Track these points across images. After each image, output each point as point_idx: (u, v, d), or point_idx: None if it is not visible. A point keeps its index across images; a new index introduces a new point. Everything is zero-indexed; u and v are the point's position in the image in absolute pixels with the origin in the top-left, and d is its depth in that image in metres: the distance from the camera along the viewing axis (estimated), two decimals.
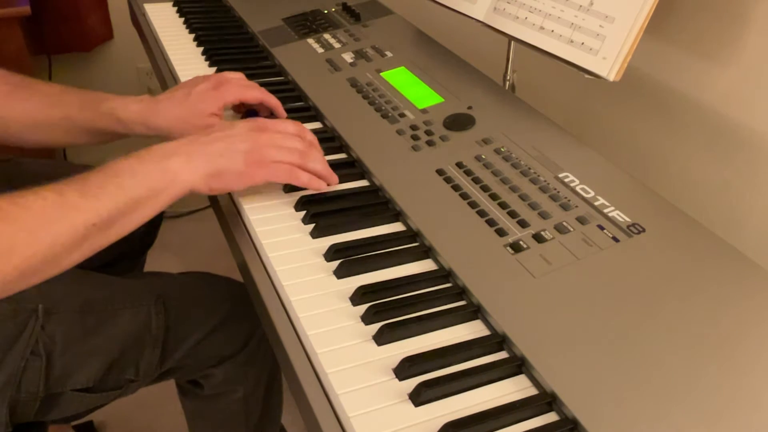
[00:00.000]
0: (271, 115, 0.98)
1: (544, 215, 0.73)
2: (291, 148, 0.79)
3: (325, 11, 1.29)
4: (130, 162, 0.72)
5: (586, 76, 0.86)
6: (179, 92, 0.92)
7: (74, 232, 0.66)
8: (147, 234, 1.22)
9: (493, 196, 0.77)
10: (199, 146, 0.75)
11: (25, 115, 0.91)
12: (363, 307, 0.65)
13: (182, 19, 1.35)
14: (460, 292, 0.67)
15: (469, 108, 0.93)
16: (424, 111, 0.94)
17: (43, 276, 0.67)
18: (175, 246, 1.96)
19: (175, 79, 1.12)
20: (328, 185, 0.82)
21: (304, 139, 0.82)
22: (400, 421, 0.55)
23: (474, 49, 1.29)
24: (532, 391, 0.58)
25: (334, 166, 0.88)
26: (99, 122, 0.91)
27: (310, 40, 1.19)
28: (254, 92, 0.95)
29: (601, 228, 0.71)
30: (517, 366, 0.59)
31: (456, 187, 0.79)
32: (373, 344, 0.62)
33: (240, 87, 0.94)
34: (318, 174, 0.81)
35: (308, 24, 1.25)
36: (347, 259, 0.71)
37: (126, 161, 0.72)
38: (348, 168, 0.88)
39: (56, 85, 0.94)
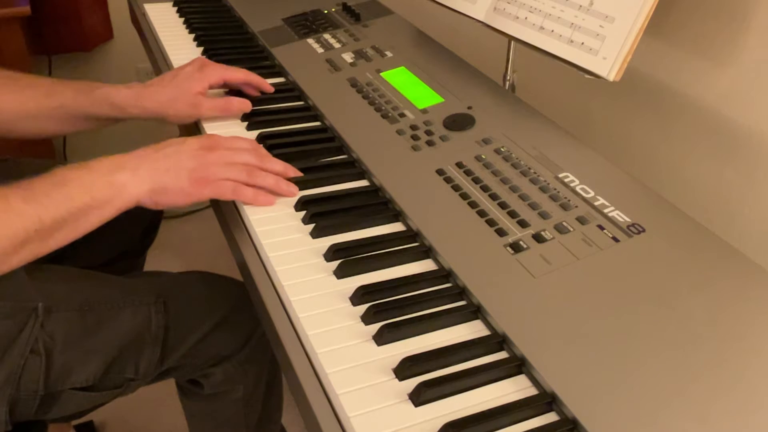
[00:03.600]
0: (261, 94, 1.04)
1: (544, 215, 0.73)
2: (239, 163, 0.80)
3: (325, 11, 1.29)
4: (78, 172, 0.74)
5: (586, 76, 0.86)
6: (167, 76, 0.98)
7: (13, 236, 0.67)
8: (147, 233, 1.22)
9: (493, 196, 0.77)
10: (147, 161, 0.77)
11: (17, 106, 0.93)
12: (363, 307, 0.65)
13: (182, 19, 1.35)
14: (460, 292, 0.67)
15: (469, 108, 0.93)
16: (424, 111, 0.94)
17: None
18: (175, 246, 1.96)
19: None
20: (288, 195, 0.82)
21: (257, 153, 0.83)
22: (400, 421, 0.55)
23: (474, 49, 1.29)
24: (532, 391, 0.58)
25: (334, 166, 0.88)
26: (94, 108, 0.95)
27: (310, 40, 1.19)
28: (237, 73, 1.01)
29: (601, 228, 0.71)
30: (517, 366, 0.59)
31: (456, 187, 0.79)
32: (373, 344, 0.62)
33: (222, 68, 1.00)
34: (269, 188, 0.81)
35: (308, 24, 1.25)
36: (347, 259, 0.71)
37: (74, 171, 0.73)
38: (348, 168, 0.88)
39: (47, 78, 0.98)
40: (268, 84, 1.03)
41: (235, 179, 0.80)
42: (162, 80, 0.97)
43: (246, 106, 0.99)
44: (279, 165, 0.84)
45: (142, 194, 0.76)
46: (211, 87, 0.98)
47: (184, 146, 0.80)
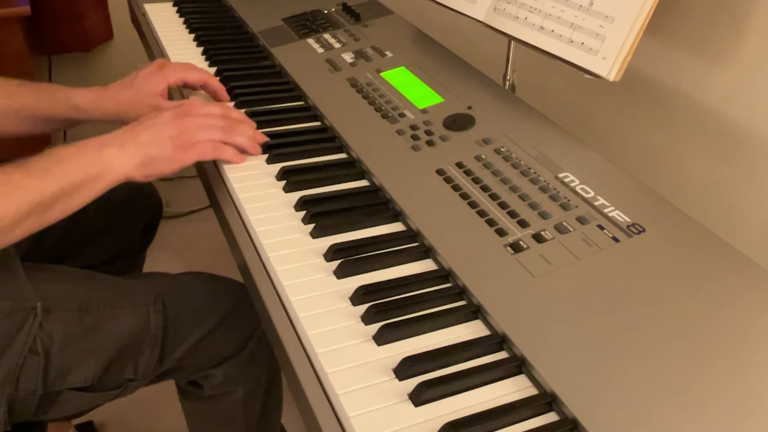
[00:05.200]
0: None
1: (544, 215, 0.73)
2: (214, 125, 0.86)
3: (325, 11, 1.29)
4: (72, 150, 0.78)
5: (586, 76, 0.86)
6: (127, 78, 1.00)
7: (19, 209, 0.72)
8: (145, 232, 1.22)
9: (493, 196, 0.77)
10: (131, 137, 0.82)
11: None
12: (363, 307, 0.65)
13: (182, 19, 1.35)
14: (460, 292, 0.67)
15: (469, 108, 0.93)
16: (424, 111, 0.94)
17: None
18: (175, 246, 1.96)
19: None
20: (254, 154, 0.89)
21: (229, 117, 0.89)
22: (400, 421, 0.54)
23: (474, 49, 1.29)
24: (532, 391, 0.58)
25: (334, 166, 0.88)
26: (56, 110, 0.97)
27: (310, 40, 1.19)
28: (196, 74, 1.02)
29: (601, 228, 0.71)
30: (517, 366, 0.59)
31: (456, 187, 0.79)
32: (373, 344, 0.62)
33: (182, 68, 1.01)
34: (242, 146, 0.88)
35: (308, 24, 1.25)
36: (347, 259, 0.71)
37: (68, 149, 0.78)
38: (348, 168, 0.88)
39: (10, 79, 0.98)
40: (225, 93, 1.04)
41: (213, 139, 0.85)
42: (122, 82, 0.99)
43: None
44: (250, 129, 0.90)
45: (130, 169, 0.80)
46: (170, 87, 1.00)
47: (161, 118, 0.84)
